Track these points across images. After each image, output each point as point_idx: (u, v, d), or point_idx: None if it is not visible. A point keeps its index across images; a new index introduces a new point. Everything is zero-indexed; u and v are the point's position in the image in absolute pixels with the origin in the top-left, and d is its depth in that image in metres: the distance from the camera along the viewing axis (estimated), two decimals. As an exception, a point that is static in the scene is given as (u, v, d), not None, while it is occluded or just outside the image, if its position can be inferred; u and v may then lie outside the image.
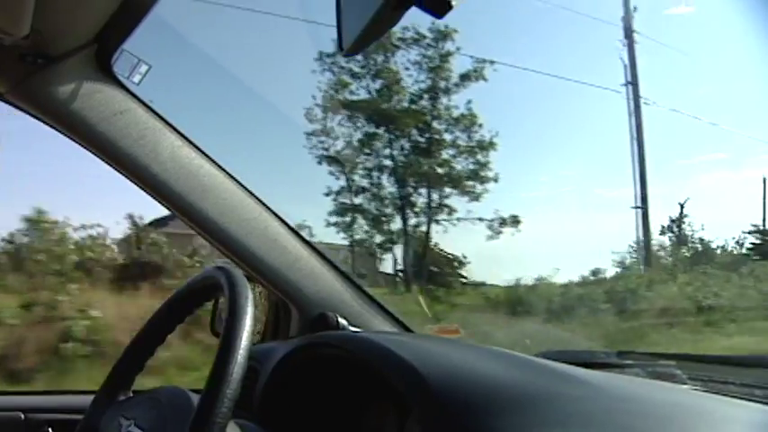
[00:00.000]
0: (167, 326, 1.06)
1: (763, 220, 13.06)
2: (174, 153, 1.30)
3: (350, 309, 1.51)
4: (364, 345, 1.08)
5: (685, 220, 13.41)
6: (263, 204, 1.42)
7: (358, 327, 1.49)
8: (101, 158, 1.28)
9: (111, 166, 1.29)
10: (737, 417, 0.90)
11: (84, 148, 1.27)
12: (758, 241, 13.00)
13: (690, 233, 13.56)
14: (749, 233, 13.04)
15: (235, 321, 0.81)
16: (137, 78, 1.26)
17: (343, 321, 1.44)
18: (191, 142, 1.33)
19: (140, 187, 1.31)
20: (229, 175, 1.38)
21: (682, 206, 13.09)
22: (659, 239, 13.62)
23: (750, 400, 1.02)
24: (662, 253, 13.80)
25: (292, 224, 1.48)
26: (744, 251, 13.06)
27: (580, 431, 0.76)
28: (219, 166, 1.36)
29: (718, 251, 13.36)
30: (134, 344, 1.07)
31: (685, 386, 1.16)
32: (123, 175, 1.30)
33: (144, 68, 1.26)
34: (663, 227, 13.46)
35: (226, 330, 0.81)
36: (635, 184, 12.74)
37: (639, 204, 12.59)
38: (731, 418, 0.87)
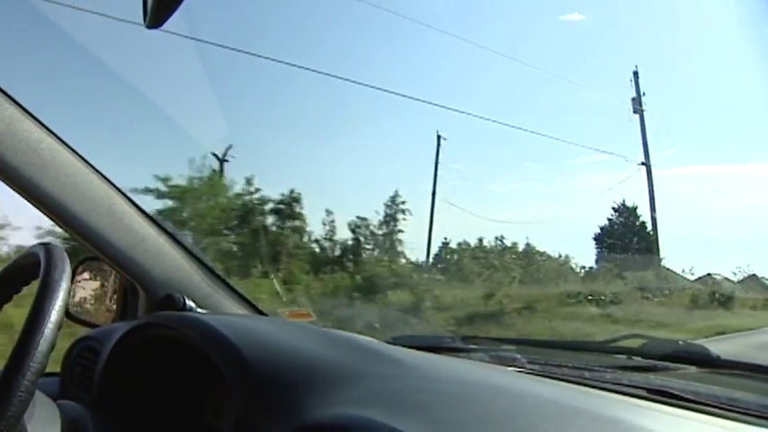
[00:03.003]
0: None
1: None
2: (12, 126, 1.22)
3: (199, 290, 1.50)
4: (192, 325, 1.09)
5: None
6: (109, 182, 1.37)
7: (207, 308, 1.48)
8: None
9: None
10: (555, 399, 0.94)
11: None
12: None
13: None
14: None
15: (45, 294, 0.80)
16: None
17: (190, 303, 1.43)
18: (30, 114, 1.26)
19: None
20: (73, 150, 1.31)
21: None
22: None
23: (579, 383, 1.10)
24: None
25: (140, 203, 1.44)
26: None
27: (381, 408, 0.78)
28: (62, 141, 1.30)
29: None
30: None
31: (522, 369, 1.24)
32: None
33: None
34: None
35: (35, 303, 0.80)
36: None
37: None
38: (547, 401, 0.92)
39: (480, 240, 17.06)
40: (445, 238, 17.39)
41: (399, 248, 15.15)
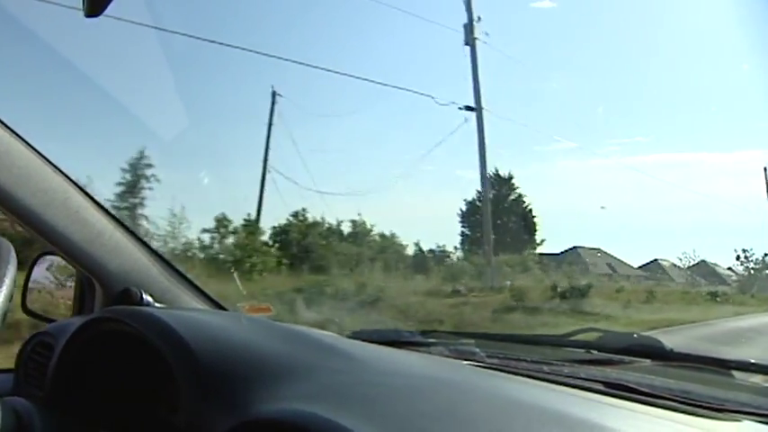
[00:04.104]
0: None
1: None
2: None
3: (157, 285, 1.48)
4: (142, 319, 1.07)
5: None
6: (64, 174, 1.34)
7: (166, 303, 1.46)
8: None
9: None
10: (506, 393, 0.95)
11: None
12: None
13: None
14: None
15: None
16: None
17: (147, 297, 1.41)
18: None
19: None
20: (26, 142, 1.28)
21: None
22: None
23: (537, 377, 1.10)
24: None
25: (96, 197, 1.41)
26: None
27: (328, 402, 0.79)
28: (15, 133, 1.26)
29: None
30: None
31: (481, 363, 1.24)
32: None
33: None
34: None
35: None
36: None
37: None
38: (498, 395, 0.93)
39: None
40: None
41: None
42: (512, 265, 15.81)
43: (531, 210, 20.83)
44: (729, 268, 31.72)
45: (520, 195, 21.25)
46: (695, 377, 1.20)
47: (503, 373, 1.15)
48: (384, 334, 1.53)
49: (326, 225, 15.44)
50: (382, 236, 16.45)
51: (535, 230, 20.88)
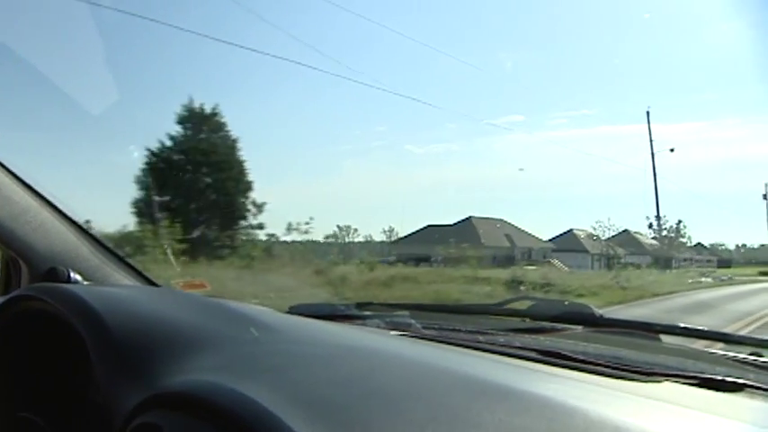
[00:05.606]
0: None
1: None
2: None
3: (86, 263, 1.43)
4: (58, 295, 1.04)
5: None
6: None
7: (96, 281, 1.42)
8: None
9: None
10: (425, 360, 0.95)
11: None
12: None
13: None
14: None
15: None
16: None
17: (76, 276, 1.37)
18: None
19: None
20: None
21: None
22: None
23: (472, 347, 1.11)
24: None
25: (20, 174, 1.35)
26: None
27: (235, 373, 0.79)
28: None
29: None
30: None
31: (417, 335, 1.25)
32: None
33: None
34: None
35: None
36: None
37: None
38: (415, 362, 0.93)
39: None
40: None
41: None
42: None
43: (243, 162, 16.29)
44: (654, 238, 32.91)
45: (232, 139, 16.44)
46: (627, 342, 1.25)
47: (437, 344, 1.15)
48: (320, 308, 1.53)
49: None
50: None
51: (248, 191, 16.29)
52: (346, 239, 41.61)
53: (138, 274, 1.55)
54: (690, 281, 20.45)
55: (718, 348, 1.27)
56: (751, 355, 1.14)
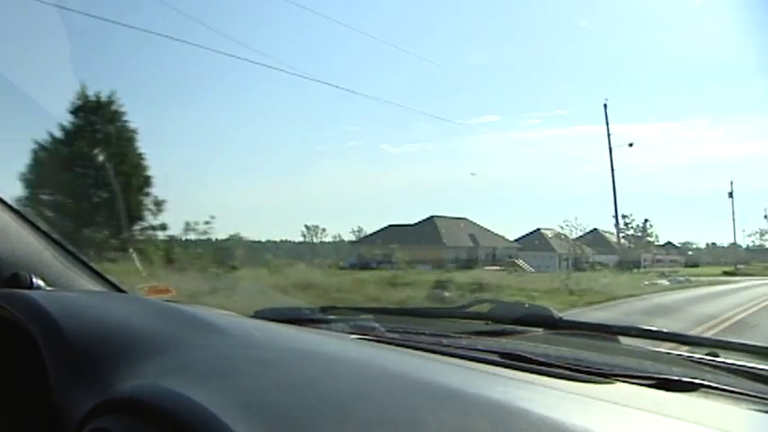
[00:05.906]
0: None
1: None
2: None
3: (50, 269, 1.42)
4: (14, 301, 1.04)
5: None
6: None
7: (60, 287, 1.41)
8: None
9: None
10: (383, 364, 0.95)
11: None
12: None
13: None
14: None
15: None
16: None
17: (38, 281, 1.36)
18: None
19: None
20: None
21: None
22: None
23: (434, 351, 1.11)
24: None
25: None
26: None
27: (186, 378, 0.80)
28: None
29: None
30: None
31: (381, 338, 1.25)
32: None
33: None
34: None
35: None
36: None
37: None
38: (373, 365, 0.93)
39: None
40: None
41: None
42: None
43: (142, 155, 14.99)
44: (624, 237, 33.11)
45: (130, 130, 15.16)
46: (587, 344, 1.27)
47: (400, 348, 1.15)
48: (284, 312, 1.53)
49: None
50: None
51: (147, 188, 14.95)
52: (314, 240, 41.56)
53: (103, 280, 1.54)
54: (645, 283, 20.00)
55: (676, 349, 1.28)
56: (708, 355, 1.16)
